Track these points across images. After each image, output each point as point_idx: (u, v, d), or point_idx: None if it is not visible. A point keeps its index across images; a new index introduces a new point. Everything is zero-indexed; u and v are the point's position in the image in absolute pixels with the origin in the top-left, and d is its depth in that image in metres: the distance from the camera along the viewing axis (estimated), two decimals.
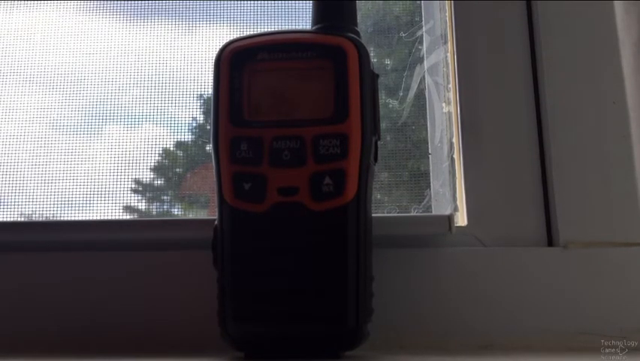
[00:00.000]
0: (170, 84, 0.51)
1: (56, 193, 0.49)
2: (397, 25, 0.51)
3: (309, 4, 0.38)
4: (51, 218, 0.49)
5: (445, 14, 0.47)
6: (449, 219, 0.40)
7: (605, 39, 0.43)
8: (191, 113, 0.51)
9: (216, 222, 0.34)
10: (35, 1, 0.53)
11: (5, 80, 0.52)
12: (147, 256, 0.42)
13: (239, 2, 0.51)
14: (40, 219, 0.49)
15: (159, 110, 0.50)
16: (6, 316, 0.41)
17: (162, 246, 0.42)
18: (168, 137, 0.51)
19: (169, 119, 0.50)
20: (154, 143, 0.50)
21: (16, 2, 0.53)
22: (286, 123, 0.34)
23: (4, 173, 0.49)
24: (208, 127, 0.48)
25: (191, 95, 0.51)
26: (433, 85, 0.47)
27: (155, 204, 0.50)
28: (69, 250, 0.42)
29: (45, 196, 0.49)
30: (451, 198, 0.44)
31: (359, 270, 0.33)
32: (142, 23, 0.52)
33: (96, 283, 0.41)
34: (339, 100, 0.34)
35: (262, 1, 0.51)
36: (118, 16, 0.53)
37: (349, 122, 0.33)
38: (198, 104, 0.51)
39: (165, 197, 0.51)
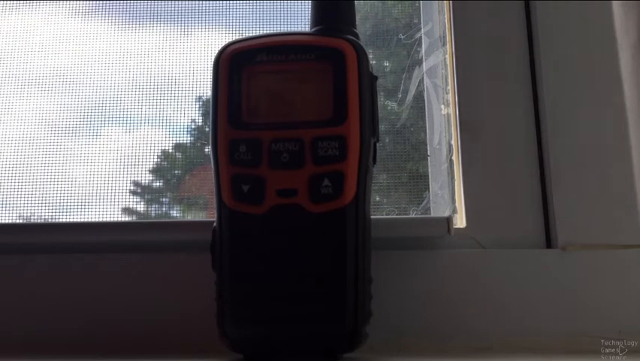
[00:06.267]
0: (169, 86, 0.51)
1: (55, 195, 0.49)
2: (396, 28, 0.51)
3: (308, 6, 0.38)
4: (50, 220, 0.49)
5: (443, 16, 0.47)
6: (448, 221, 0.40)
7: (604, 41, 0.43)
8: (189, 114, 0.51)
9: (215, 224, 0.34)
10: (33, 2, 0.53)
11: (4, 83, 0.52)
12: (146, 258, 0.42)
13: (238, 3, 0.52)
14: (39, 221, 0.49)
15: (158, 112, 0.50)
16: (5, 317, 0.41)
17: (161, 248, 0.42)
18: (167, 139, 0.51)
19: (168, 121, 0.50)
20: (153, 145, 0.50)
21: (14, 5, 0.53)
22: (285, 125, 0.34)
23: (3, 175, 0.49)
24: (207, 129, 0.48)
25: (190, 97, 0.51)
26: (432, 87, 0.47)
27: (153, 206, 0.50)
28: (68, 252, 0.42)
29: (44, 198, 0.49)
30: (450, 200, 0.44)
31: (358, 272, 0.33)
32: (140, 26, 0.52)
33: (95, 284, 0.41)
34: (337, 102, 0.34)
35: (261, 2, 0.51)
36: (116, 18, 0.53)
37: (348, 124, 0.33)
38: (197, 105, 0.51)
39: (164, 199, 0.51)
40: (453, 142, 0.45)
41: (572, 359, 0.36)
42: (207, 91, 0.49)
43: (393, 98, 0.49)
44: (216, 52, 0.36)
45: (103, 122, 0.51)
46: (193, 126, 0.51)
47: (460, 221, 0.43)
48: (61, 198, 0.49)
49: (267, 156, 0.34)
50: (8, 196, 0.49)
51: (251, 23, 0.52)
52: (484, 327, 0.39)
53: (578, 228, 0.41)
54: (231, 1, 0.52)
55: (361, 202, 0.33)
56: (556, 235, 0.41)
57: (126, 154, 0.49)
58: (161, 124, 0.50)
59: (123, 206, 0.49)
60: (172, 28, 0.52)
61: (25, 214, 0.49)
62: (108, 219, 0.48)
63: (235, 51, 0.35)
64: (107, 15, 0.53)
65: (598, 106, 0.43)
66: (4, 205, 0.49)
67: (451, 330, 0.39)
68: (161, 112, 0.50)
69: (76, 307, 0.41)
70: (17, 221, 0.49)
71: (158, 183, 0.51)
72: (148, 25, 0.52)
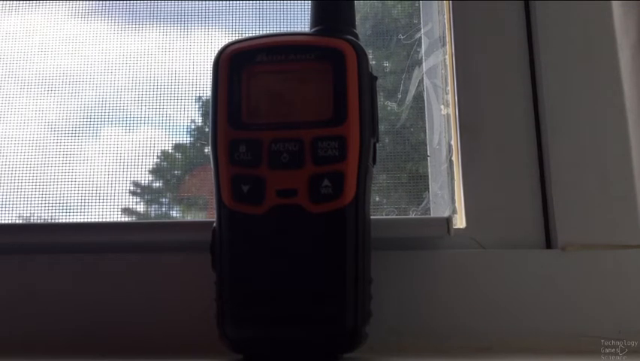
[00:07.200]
0: (169, 86, 0.51)
1: (54, 195, 0.49)
2: (396, 28, 0.51)
3: (308, 6, 0.38)
4: (49, 220, 0.49)
5: (443, 16, 0.47)
6: (448, 221, 0.40)
7: (604, 41, 0.43)
8: (189, 115, 0.51)
9: (215, 224, 0.34)
10: (33, 2, 0.53)
11: (4, 83, 0.52)
12: (146, 258, 0.42)
13: (238, 3, 0.52)
14: (39, 221, 0.49)
15: (157, 113, 0.50)
16: (5, 317, 0.41)
17: (160, 248, 0.42)
18: (166, 139, 0.51)
19: (167, 121, 0.50)
20: (152, 145, 0.50)
21: (14, 5, 0.53)
22: (285, 125, 0.34)
23: (2, 175, 0.49)
24: (206, 129, 0.48)
25: (190, 97, 0.51)
26: (432, 87, 0.47)
27: (153, 206, 0.50)
28: (68, 252, 0.42)
29: (43, 198, 0.49)
30: (450, 201, 0.44)
31: (357, 272, 0.33)
32: (140, 26, 0.52)
33: (95, 284, 0.41)
34: (337, 102, 0.34)
35: (261, 2, 0.51)
36: (116, 19, 0.53)
37: (348, 125, 0.33)
38: (197, 106, 0.51)
39: (164, 199, 0.51)
40: (453, 142, 0.45)
41: (572, 359, 0.36)
42: (207, 91, 0.49)
43: (393, 98, 0.49)
44: (216, 52, 0.36)
45: (103, 122, 0.51)
46: (193, 126, 0.51)
47: (460, 221, 0.43)
48: (61, 198, 0.49)
49: (267, 156, 0.34)
50: (8, 196, 0.49)
51: (251, 23, 0.52)
52: (484, 327, 0.39)
53: (577, 228, 0.41)
54: (231, 1, 0.52)
55: (361, 202, 0.33)
56: (556, 236, 0.41)
57: (126, 154, 0.49)
58: (161, 124, 0.50)
59: (123, 206, 0.49)
60: (172, 28, 0.52)
61: (25, 214, 0.49)
62: (108, 219, 0.48)
63: (235, 51, 0.35)
64: (106, 15, 0.53)
65: (598, 106, 0.43)
66: (4, 205, 0.49)
67: (451, 330, 0.39)
68: (161, 112, 0.50)
69: (76, 307, 0.41)
70: (17, 221, 0.49)
71: (157, 184, 0.51)
72: (148, 26, 0.52)
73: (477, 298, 0.40)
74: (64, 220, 0.49)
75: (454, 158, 0.44)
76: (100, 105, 0.51)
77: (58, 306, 0.41)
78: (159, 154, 0.50)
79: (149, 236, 0.42)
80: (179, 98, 0.50)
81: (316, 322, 0.32)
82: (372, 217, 0.35)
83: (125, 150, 0.49)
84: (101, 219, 0.48)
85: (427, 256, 0.41)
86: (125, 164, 0.49)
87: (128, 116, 0.51)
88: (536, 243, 0.42)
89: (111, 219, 0.48)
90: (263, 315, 0.33)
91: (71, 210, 0.49)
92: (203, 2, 0.52)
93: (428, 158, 0.47)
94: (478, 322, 0.40)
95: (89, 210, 0.49)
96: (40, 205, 0.49)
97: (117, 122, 0.51)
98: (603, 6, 0.44)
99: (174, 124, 0.51)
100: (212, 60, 0.36)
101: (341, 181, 0.33)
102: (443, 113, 0.46)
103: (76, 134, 0.51)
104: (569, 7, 0.44)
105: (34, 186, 0.49)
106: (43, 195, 0.49)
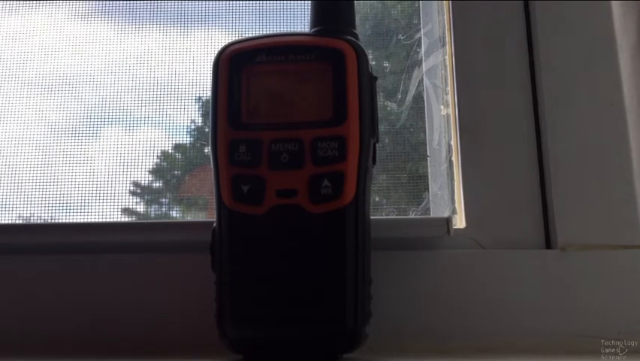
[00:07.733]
0: (169, 86, 0.51)
1: (54, 195, 0.49)
2: (396, 28, 0.51)
3: (308, 6, 0.38)
4: (49, 220, 0.49)
5: (443, 17, 0.47)
6: (447, 221, 0.40)
7: (603, 41, 0.43)
8: (189, 115, 0.51)
9: (215, 224, 0.34)
10: (33, 2, 0.53)
11: (3, 83, 0.52)
12: (145, 259, 0.42)
13: (238, 3, 0.52)
14: (39, 221, 0.49)
15: (158, 113, 0.50)
16: (5, 317, 0.41)
17: (160, 248, 0.42)
18: (167, 139, 0.51)
19: (167, 121, 0.51)
20: (152, 145, 0.50)
21: (14, 5, 0.53)
22: (285, 126, 0.34)
23: (3, 175, 0.49)
24: (206, 129, 0.48)
25: (190, 98, 0.51)
26: (432, 87, 0.47)
27: (153, 206, 0.50)
28: (68, 252, 0.42)
29: (43, 198, 0.49)
30: (450, 201, 0.44)
31: (357, 272, 0.33)
32: (140, 26, 0.52)
33: (95, 284, 0.41)
34: (337, 102, 0.34)
35: (261, 2, 0.51)
36: (116, 19, 0.53)
37: (348, 125, 0.33)
38: (197, 106, 0.51)
39: (164, 199, 0.51)
40: (452, 143, 0.45)
41: (572, 360, 0.36)
42: (207, 91, 0.49)
43: (392, 98, 0.49)
44: (216, 52, 0.36)
45: (103, 122, 0.51)
46: (193, 127, 0.52)
47: (460, 221, 0.43)
48: (61, 198, 0.49)
49: (267, 157, 0.34)
50: (8, 196, 0.49)
51: (251, 23, 0.52)
52: (484, 327, 0.39)
53: (577, 228, 0.41)
54: (231, 1, 0.52)
55: (361, 203, 0.33)
56: (556, 236, 0.41)
57: (126, 154, 0.49)
58: (161, 124, 0.50)
59: (123, 206, 0.49)
60: (171, 28, 0.52)
61: (25, 214, 0.49)
62: (108, 219, 0.48)
63: (235, 52, 0.35)
64: (106, 15, 0.53)
65: (598, 106, 0.43)
66: (4, 205, 0.49)
67: (451, 330, 0.39)
68: (161, 112, 0.50)
69: (76, 307, 0.41)
70: (17, 221, 0.49)
71: (157, 184, 0.51)
72: (147, 26, 0.52)
73: (477, 299, 0.40)
74: (64, 220, 0.49)
75: (453, 158, 0.44)
76: (100, 105, 0.51)
77: (58, 306, 0.41)
78: (159, 154, 0.50)
79: (149, 236, 0.42)
80: (179, 98, 0.50)
81: (316, 322, 0.32)
82: (372, 217, 0.35)
83: (125, 150, 0.49)
84: (101, 219, 0.48)
85: (427, 256, 0.41)
86: (125, 164, 0.49)
87: (129, 116, 0.51)
88: (536, 243, 0.42)
89: (111, 219, 0.48)
90: (263, 315, 0.33)
91: (71, 210, 0.49)
92: (203, 2, 0.52)
93: (428, 158, 0.47)
94: (478, 322, 0.40)
95: (89, 210, 0.49)
96: (40, 205, 0.49)
97: (117, 122, 0.51)
98: (603, 6, 0.44)
99: (174, 124, 0.51)
100: (212, 60, 0.36)
101: (341, 181, 0.33)
102: (443, 114, 0.46)
103: (77, 134, 0.51)
104: (568, 7, 0.44)
105: (34, 186, 0.49)
106: (43, 195, 0.49)
